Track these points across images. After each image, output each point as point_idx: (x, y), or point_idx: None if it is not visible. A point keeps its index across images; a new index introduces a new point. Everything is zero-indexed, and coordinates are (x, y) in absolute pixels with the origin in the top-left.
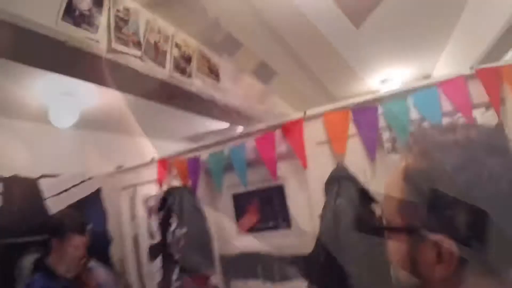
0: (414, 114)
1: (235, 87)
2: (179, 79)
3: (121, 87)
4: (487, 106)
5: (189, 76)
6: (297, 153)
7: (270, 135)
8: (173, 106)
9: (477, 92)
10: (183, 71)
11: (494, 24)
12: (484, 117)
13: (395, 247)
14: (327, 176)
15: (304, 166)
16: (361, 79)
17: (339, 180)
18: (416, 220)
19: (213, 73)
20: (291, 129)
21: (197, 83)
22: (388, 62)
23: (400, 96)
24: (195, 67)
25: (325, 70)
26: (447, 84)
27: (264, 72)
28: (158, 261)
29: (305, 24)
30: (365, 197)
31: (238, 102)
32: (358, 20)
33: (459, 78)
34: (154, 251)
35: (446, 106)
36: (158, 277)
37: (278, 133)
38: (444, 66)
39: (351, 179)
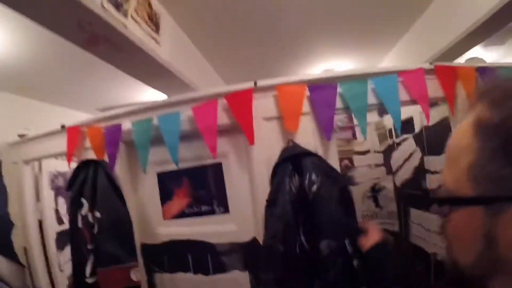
0: (371, 99)
1: (175, 47)
2: (112, 14)
3: (37, 16)
4: (440, 101)
5: (125, 15)
6: (244, 128)
7: (211, 104)
8: (98, 53)
9: (431, 87)
10: (117, 8)
11: (450, 31)
12: (435, 110)
13: (460, 224)
14: (274, 155)
15: (251, 142)
16: (304, 67)
17: (298, 158)
18: (494, 186)
19: (153, 22)
20: (238, 100)
21: (133, 27)
22: (334, 52)
23: (359, 77)
24: (133, 7)
25: (268, 51)
26: (407, 74)
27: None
28: (68, 251)
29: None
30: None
31: (176, 65)
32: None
33: (418, 70)
34: (63, 239)
35: (403, 96)
36: (69, 268)
37: (220, 103)
38: (389, 63)
39: (315, 155)
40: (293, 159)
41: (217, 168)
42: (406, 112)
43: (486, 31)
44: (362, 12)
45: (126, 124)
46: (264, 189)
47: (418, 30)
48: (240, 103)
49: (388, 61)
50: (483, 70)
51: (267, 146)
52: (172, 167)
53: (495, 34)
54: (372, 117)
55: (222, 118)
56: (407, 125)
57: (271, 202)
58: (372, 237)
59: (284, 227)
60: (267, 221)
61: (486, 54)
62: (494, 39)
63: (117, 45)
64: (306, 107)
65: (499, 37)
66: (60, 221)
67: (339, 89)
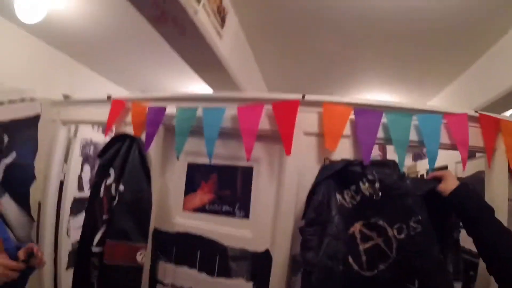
0: (412, 135)
1: (233, 45)
2: None
3: None
4: (478, 151)
5: (198, 1)
6: (284, 137)
7: (257, 107)
8: (163, 32)
9: (472, 135)
10: None
11: (498, 84)
12: (470, 163)
13: None
14: (307, 170)
15: (288, 152)
16: (347, 93)
17: (344, 171)
18: None
19: (220, 16)
20: (283, 109)
21: (202, 15)
22: (381, 84)
23: (405, 110)
24: None
25: (318, 70)
26: (451, 117)
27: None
28: (80, 218)
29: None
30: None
31: (231, 62)
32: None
33: (463, 115)
34: (78, 205)
35: (444, 139)
36: (77, 235)
37: (266, 109)
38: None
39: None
40: (335, 176)
41: (248, 172)
42: (441, 160)
43: None
44: (417, 51)
45: (170, 109)
46: (290, 202)
47: (466, 79)
48: (285, 112)
49: (434, 102)
50: None
51: (302, 160)
52: (203, 160)
53: None
54: (406, 160)
55: (262, 124)
56: None
57: (314, 221)
58: (450, 183)
59: (344, 246)
60: (311, 241)
61: None
62: None
63: (183, 28)
64: (347, 129)
65: None
66: (80, 187)
67: (383, 119)
